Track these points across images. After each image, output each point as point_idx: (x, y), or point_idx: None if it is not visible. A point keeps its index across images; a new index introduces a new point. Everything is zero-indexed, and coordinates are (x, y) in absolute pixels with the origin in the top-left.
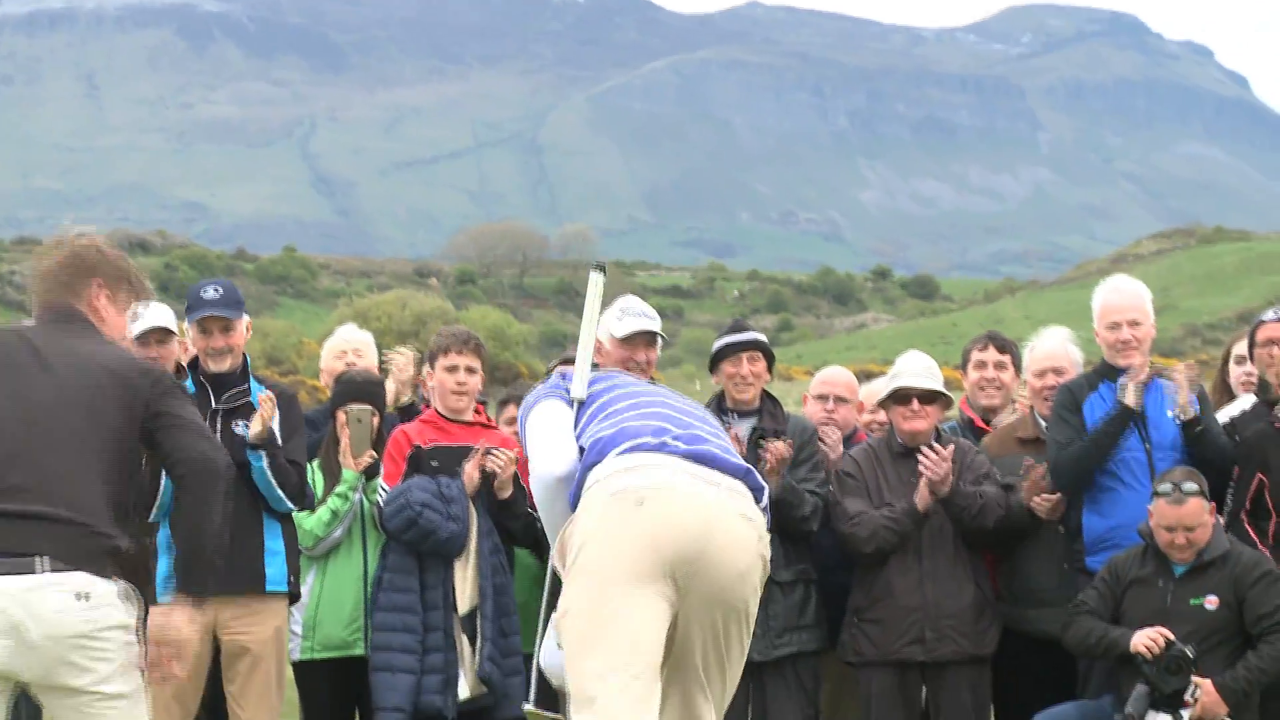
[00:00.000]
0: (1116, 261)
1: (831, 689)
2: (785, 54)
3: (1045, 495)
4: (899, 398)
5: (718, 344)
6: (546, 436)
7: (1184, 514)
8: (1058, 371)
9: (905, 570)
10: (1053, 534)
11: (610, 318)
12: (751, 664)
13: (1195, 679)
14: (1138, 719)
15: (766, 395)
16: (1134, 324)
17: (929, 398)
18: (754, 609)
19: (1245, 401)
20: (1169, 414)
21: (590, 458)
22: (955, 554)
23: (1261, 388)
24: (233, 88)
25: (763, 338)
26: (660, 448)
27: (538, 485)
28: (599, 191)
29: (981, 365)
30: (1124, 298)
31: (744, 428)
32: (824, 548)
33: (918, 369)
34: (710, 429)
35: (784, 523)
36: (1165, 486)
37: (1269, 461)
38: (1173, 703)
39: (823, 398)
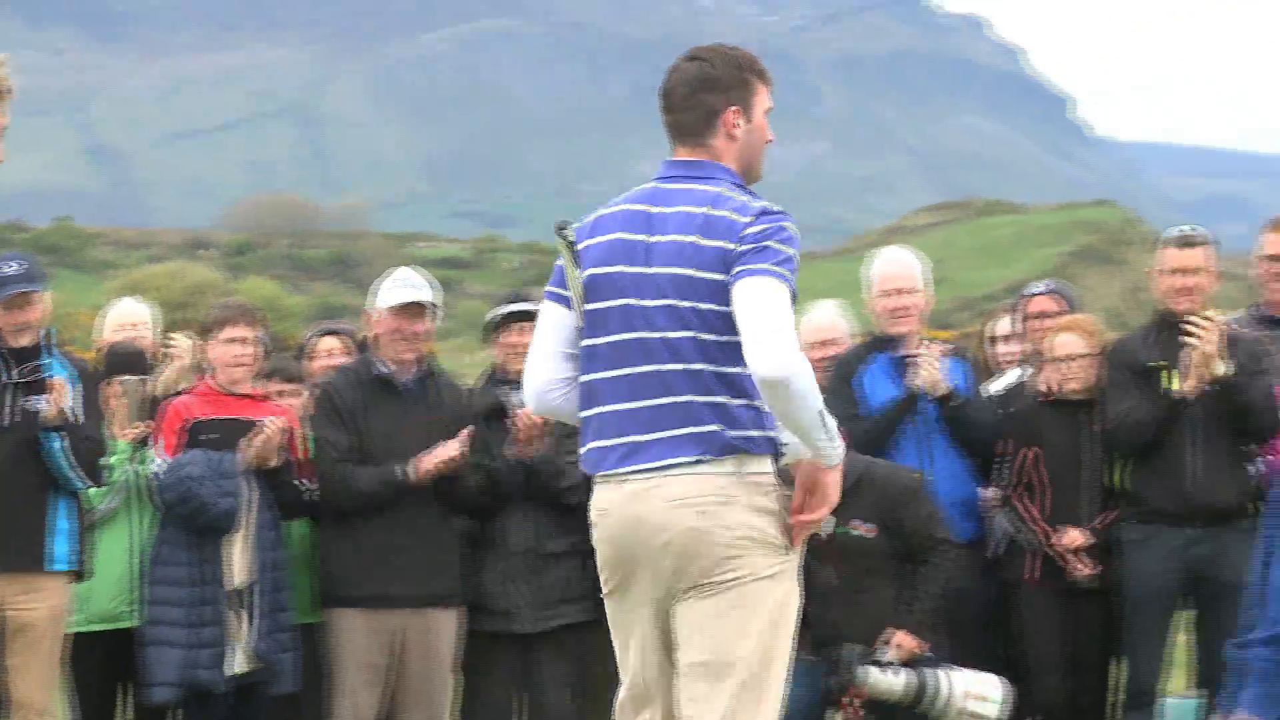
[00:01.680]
0: (891, 233)
1: (601, 660)
2: (563, 25)
3: None
4: None
5: (495, 314)
6: (529, 359)
7: None
8: (830, 343)
9: None
10: None
11: (383, 289)
12: (521, 635)
13: (891, 631)
14: (852, 675)
15: None
16: (906, 292)
17: None
18: (734, 577)
19: (1013, 375)
20: (916, 387)
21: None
22: None
23: (1032, 360)
24: (9, 57)
25: (534, 307)
26: (600, 467)
27: None
28: (377, 162)
29: None
30: (896, 267)
31: (519, 398)
32: None
33: None
34: (660, 388)
35: (542, 493)
36: None
37: (1041, 434)
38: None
39: None
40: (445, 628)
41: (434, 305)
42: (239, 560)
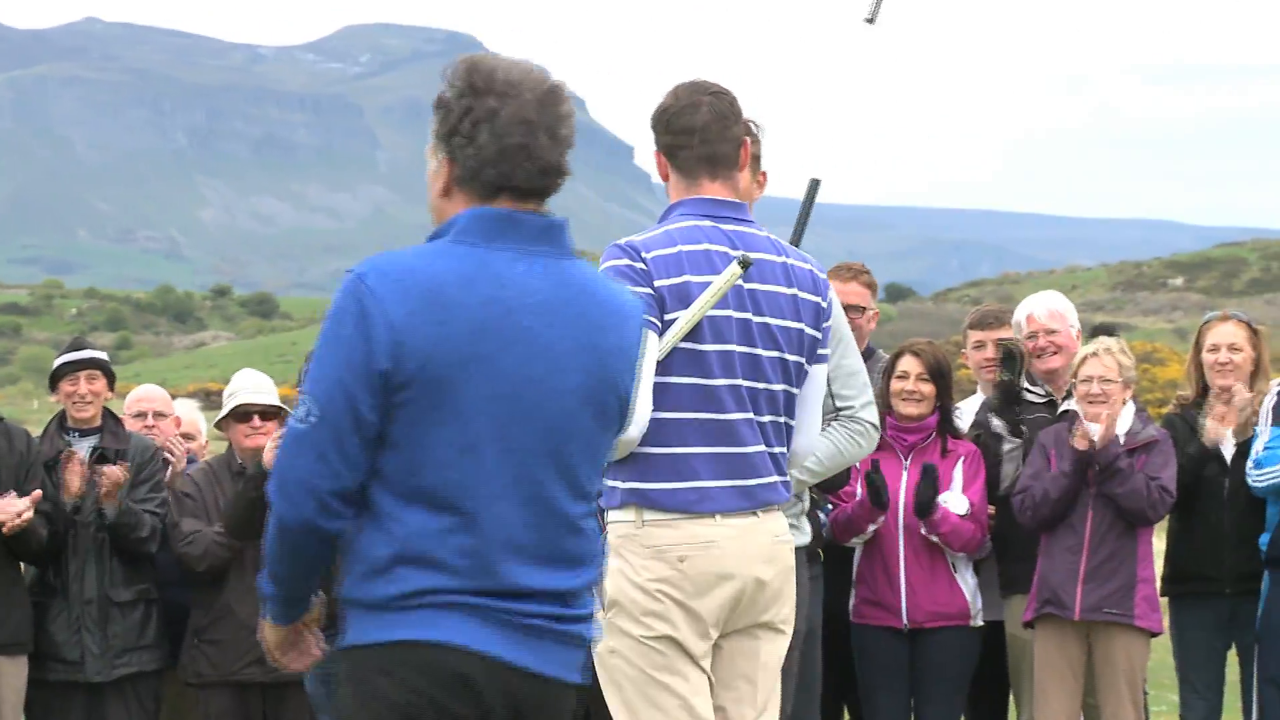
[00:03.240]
0: None
1: (171, 709)
2: (124, 70)
3: None
4: (240, 415)
5: (56, 362)
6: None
7: None
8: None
9: (245, 590)
10: None
11: None
12: (91, 685)
13: None
14: None
15: (109, 414)
16: None
17: (271, 414)
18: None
19: None
20: None
21: (644, 454)
22: None
23: None
24: None
25: (102, 356)
26: (700, 505)
27: None
28: None
29: None
30: None
31: (85, 446)
32: (162, 565)
33: (257, 386)
34: (767, 418)
35: (123, 544)
36: None
37: None
38: None
39: (141, 415)
40: (11, 675)
41: None
42: None
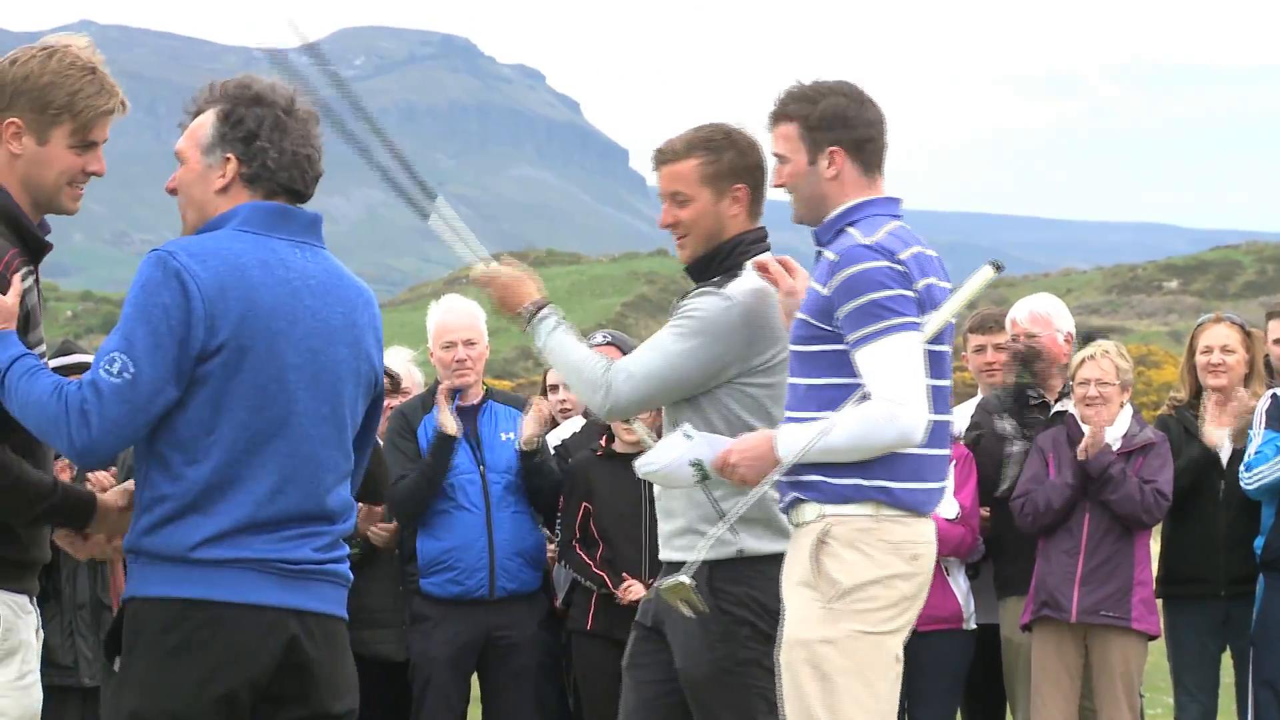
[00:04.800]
0: (450, 283)
1: None
2: (119, 73)
3: (382, 525)
4: None
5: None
6: (919, 389)
7: None
8: (405, 392)
9: None
10: (388, 557)
11: None
12: (85, 690)
13: None
14: None
15: None
16: (469, 343)
17: None
18: None
19: (575, 424)
20: (504, 437)
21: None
22: None
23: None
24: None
25: (89, 359)
26: (927, 505)
27: (894, 429)
28: None
29: None
30: (458, 317)
31: None
32: None
33: None
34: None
35: None
36: None
37: (593, 488)
38: None
39: None
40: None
41: None
42: None
